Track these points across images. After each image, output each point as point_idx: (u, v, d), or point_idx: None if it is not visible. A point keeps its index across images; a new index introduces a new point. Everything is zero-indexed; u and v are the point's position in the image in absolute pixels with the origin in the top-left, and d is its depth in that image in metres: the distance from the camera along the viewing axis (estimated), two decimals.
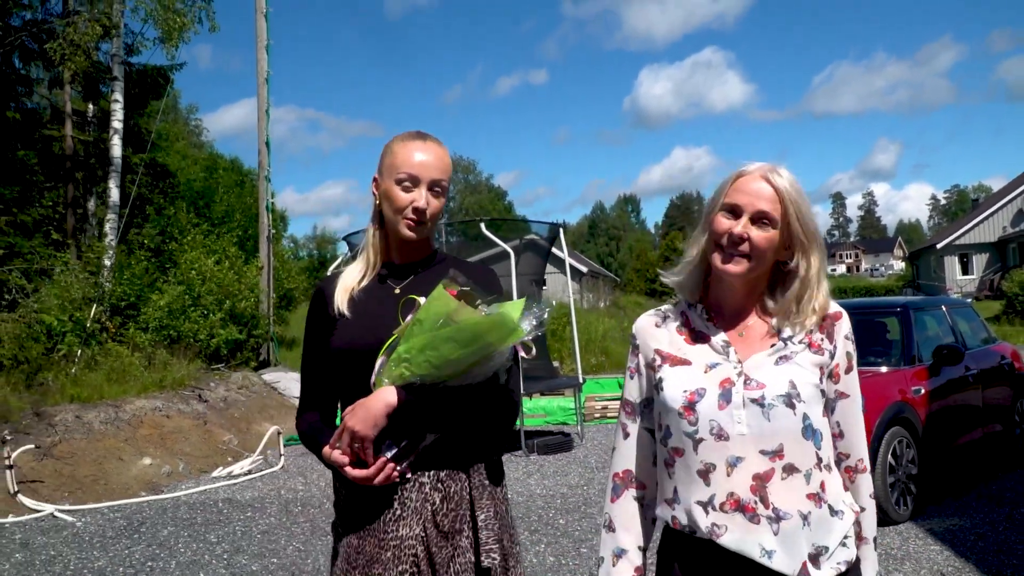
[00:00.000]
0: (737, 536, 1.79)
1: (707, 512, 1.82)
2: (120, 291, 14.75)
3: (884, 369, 6.98)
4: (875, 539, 2.00)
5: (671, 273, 2.02)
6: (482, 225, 11.24)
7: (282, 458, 10.45)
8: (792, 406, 1.81)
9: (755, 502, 1.79)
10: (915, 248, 61.41)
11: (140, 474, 9.53)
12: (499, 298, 2.06)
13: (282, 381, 14.94)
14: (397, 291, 2.16)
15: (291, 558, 6.17)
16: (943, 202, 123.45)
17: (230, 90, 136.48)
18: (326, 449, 2.02)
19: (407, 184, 2.09)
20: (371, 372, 2.03)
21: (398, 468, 1.98)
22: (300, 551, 6.35)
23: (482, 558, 2.02)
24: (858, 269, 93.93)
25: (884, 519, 6.05)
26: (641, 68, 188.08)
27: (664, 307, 2.09)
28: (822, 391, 1.88)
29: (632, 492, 2.03)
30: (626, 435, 2.06)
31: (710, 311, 1.98)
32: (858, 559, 1.91)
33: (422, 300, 2.00)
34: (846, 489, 1.92)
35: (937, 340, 7.58)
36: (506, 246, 11.00)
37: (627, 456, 2.05)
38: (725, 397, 1.84)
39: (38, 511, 7.89)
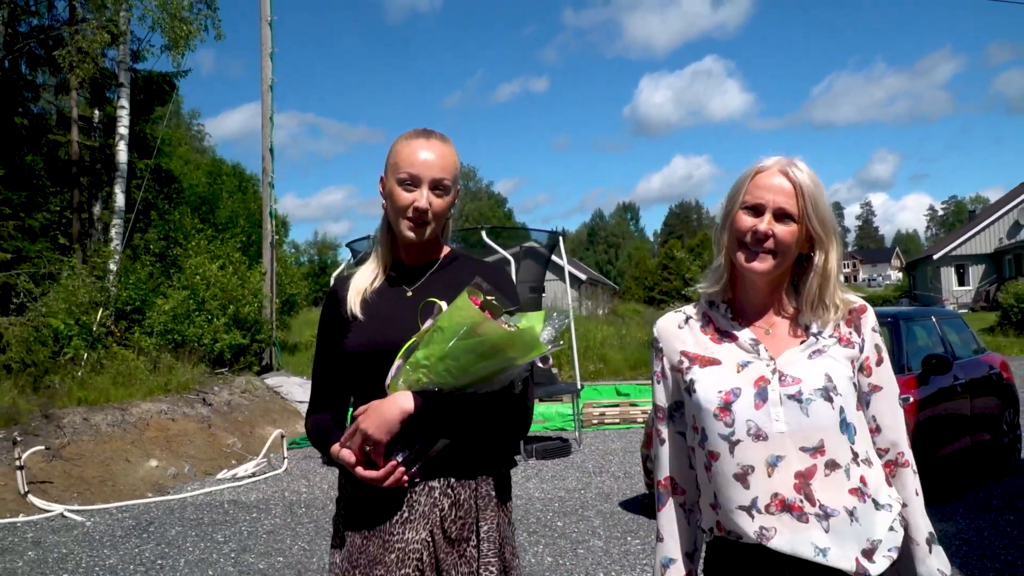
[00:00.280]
0: (788, 537, 1.76)
1: (752, 516, 1.79)
2: (125, 296, 14.95)
3: None
4: (928, 540, 1.90)
5: (705, 284, 2.01)
6: (483, 233, 11.45)
7: (285, 461, 10.64)
8: (830, 399, 1.79)
9: (801, 500, 1.76)
10: (912, 259, 61.62)
11: (147, 476, 9.72)
12: (520, 308, 2.07)
13: (285, 385, 15.12)
14: (409, 293, 2.15)
15: (296, 557, 6.36)
16: (941, 213, 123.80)
17: (231, 95, 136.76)
18: (335, 447, 2.02)
19: (408, 184, 2.07)
20: (384, 374, 2.02)
21: (408, 472, 1.96)
22: (305, 550, 6.54)
23: (481, 571, 2.01)
24: (855, 279, 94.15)
25: None
26: (641, 76, 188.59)
27: (685, 307, 2.06)
28: (855, 384, 1.86)
29: (677, 499, 2.01)
30: (662, 441, 2.03)
31: (734, 310, 1.96)
32: (906, 542, 1.87)
33: (443, 305, 2.00)
34: (889, 484, 1.88)
35: (927, 350, 7.77)
36: (506, 253, 11.21)
37: (667, 463, 2.02)
38: (761, 396, 1.81)
39: (48, 511, 8.06)
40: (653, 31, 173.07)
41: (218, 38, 17.46)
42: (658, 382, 2.03)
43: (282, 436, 11.19)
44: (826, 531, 1.75)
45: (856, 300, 1.94)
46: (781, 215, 1.83)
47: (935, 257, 47.66)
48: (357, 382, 2.14)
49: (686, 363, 1.94)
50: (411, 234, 2.08)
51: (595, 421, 13.41)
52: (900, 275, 70.08)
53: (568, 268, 13.16)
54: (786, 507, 1.76)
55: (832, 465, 1.78)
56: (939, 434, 7.37)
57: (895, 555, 1.80)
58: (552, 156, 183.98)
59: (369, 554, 2.00)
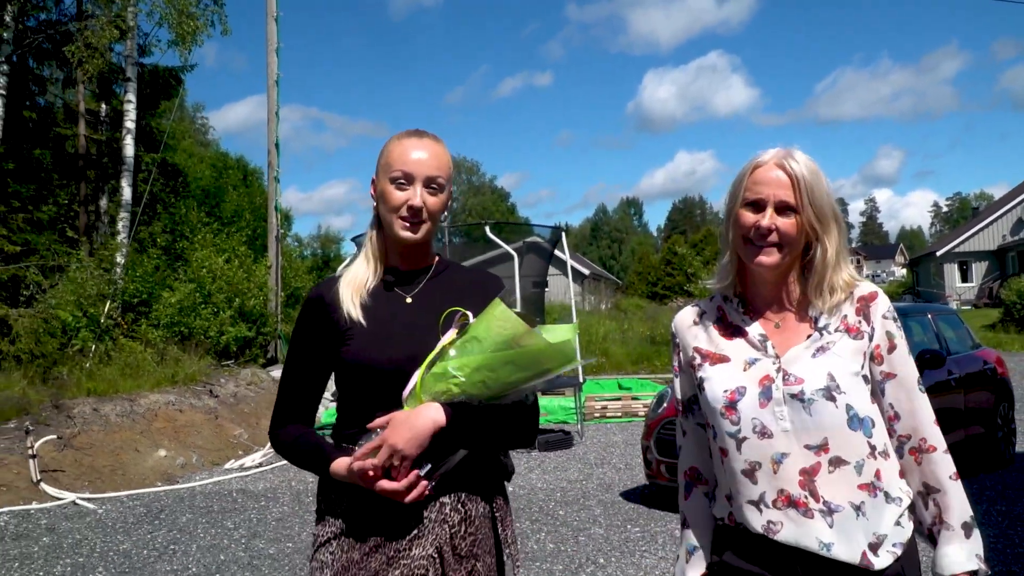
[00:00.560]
0: (793, 531, 1.79)
1: (760, 510, 1.83)
2: (132, 288, 15.14)
3: None
4: (966, 525, 1.86)
5: (714, 281, 2.04)
6: (487, 228, 11.59)
7: None
8: (832, 399, 1.80)
9: (805, 496, 1.79)
10: (916, 255, 61.69)
11: (156, 465, 9.89)
12: (541, 321, 2.09)
13: None
14: (409, 300, 2.08)
15: (305, 543, 6.53)
16: (945, 209, 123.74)
17: (234, 88, 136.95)
18: (342, 462, 1.94)
19: (402, 182, 2.01)
20: (390, 385, 1.96)
21: (429, 485, 1.90)
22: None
23: None
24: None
25: None
26: (645, 72, 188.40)
27: (701, 302, 2.09)
28: (864, 377, 1.86)
29: (701, 488, 2.05)
30: (683, 433, 2.08)
31: (745, 304, 1.98)
32: (913, 539, 1.87)
33: (469, 314, 1.95)
34: (902, 476, 1.88)
35: (921, 345, 7.91)
36: (510, 249, 11.36)
37: (689, 454, 2.07)
38: (765, 395, 1.84)
39: (60, 499, 8.24)
40: (657, 26, 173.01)
41: (224, 33, 17.65)
42: (677, 376, 2.08)
43: None
44: (830, 526, 1.77)
45: (867, 287, 1.93)
46: (783, 208, 1.85)
47: (938, 253, 47.75)
48: (352, 393, 2.04)
49: (698, 360, 1.98)
50: (406, 234, 2.02)
51: (597, 414, 13.57)
52: (904, 271, 70.13)
53: (571, 263, 13.29)
54: (791, 503, 1.79)
55: (837, 462, 1.79)
56: None
57: (899, 551, 1.81)
58: (555, 151, 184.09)
59: (369, 570, 1.93)
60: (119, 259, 15.69)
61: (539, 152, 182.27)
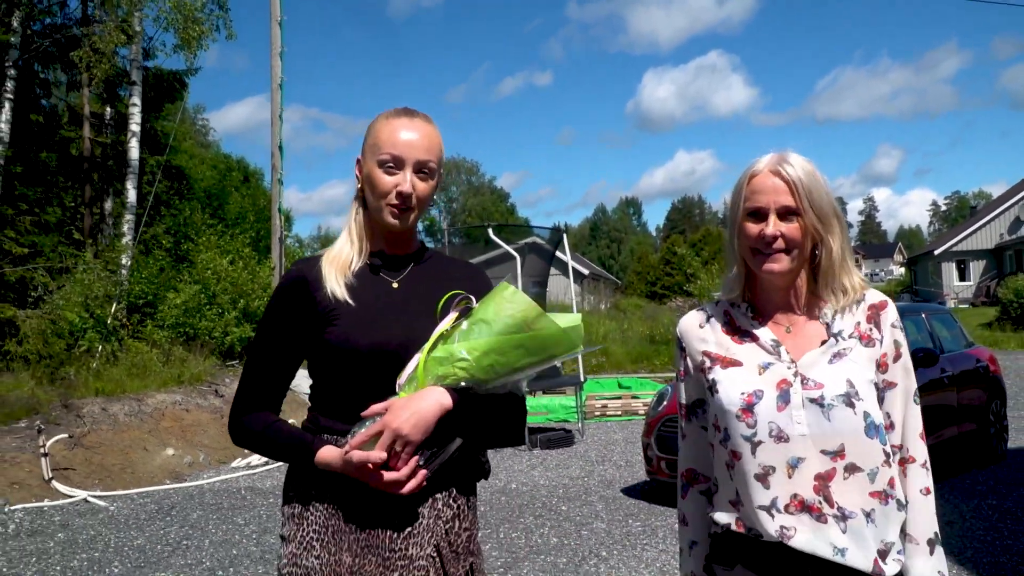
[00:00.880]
0: (807, 536, 1.78)
1: (772, 516, 1.81)
2: (138, 290, 15.32)
3: None
4: (930, 541, 1.88)
5: (723, 293, 2.03)
6: (490, 231, 11.78)
7: None
8: (852, 405, 1.80)
9: (819, 502, 1.78)
10: (914, 254, 61.89)
11: (164, 463, 10.07)
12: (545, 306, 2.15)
13: None
14: (395, 285, 1.99)
15: None
16: (944, 208, 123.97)
17: (234, 89, 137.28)
18: (333, 453, 1.83)
19: (390, 166, 1.91)
20: (379, 369, 1.88)
21: (427, 474, 1.82)
22: None
23: None
24: None
25: None
26: (645, 71, 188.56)
27: (706, 305, 2.08)
28: (876, 385, 1.87)
29: (697, 488, 2.07)
30: (683, 436, 2.10)
31: (755, 309, 1.97)
32: (903, 540, 1.88)
33: (472, 298, 1.92)
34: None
35: (915, 344, 8.09)
36: (512, 250, 11.55)
37: (688, 456, 2.09)
38: (783, 398, 1.83)
39: (72, 496, 8.42)
40: (657, 25, 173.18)
41: (229, 38, 17.86)
42: (681, 380, 2.08)
43: None
44: (844, 532, 1.77)
45: (878, 295, 1.95)
46: (784, 213, 1.85)
47: (936, 252, 47.95)
48: (333, 379, 1.93)
49: (708, 363, 1.96)
50: (394, 220, 1.94)
51: (597, 413, 13.76)
52: (902, 270, 70.30)
53: (571, 264, 13.48)
54: (805, 507, 1.79)
55: (852, 468, 1.79)
56: (926, 424, 7.68)
57: (903, 558, 1.84)
58: (555, 151, 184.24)
59: (365, 573, 1.83)
60: (124, 261, 15.89)
61: (539, 151, 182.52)
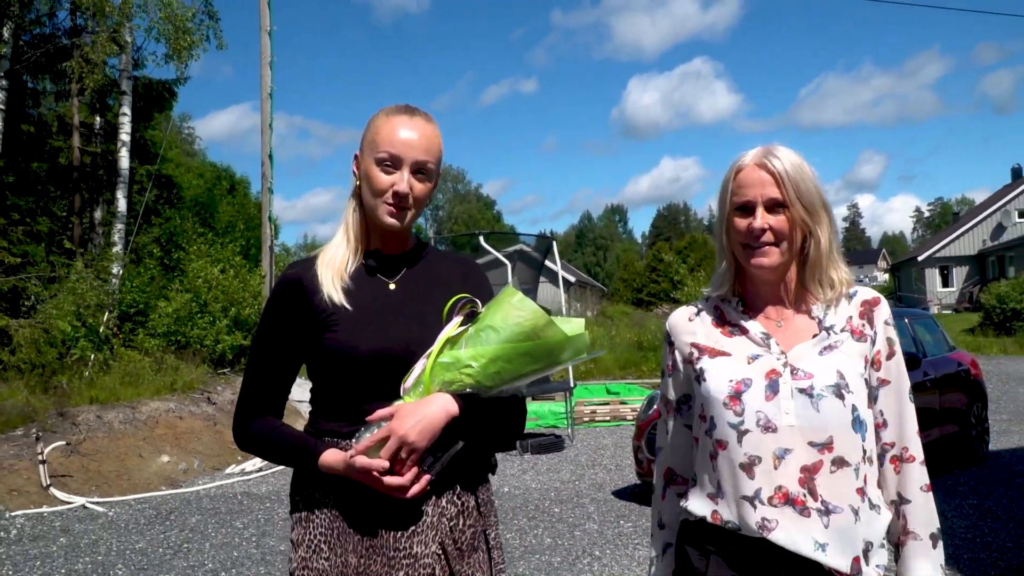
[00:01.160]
0: (788, 530, 1.74)
1: (755, 507, 1.77)
2: (129, 299, 15.42)
3: None
4: (933, 536, 1.87)
5: (712, 289, 2.02)
6: (481, 239, 11.95)
7: None
8: (841, 397, 1.77)
9: (804, 495, 1.75)
10: (897, 260, 62.38)
11: (159, 470, 10.17)
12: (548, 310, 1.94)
13: None
14: (392, 286, 1.98)
15: None
16: (927, 214, 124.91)
17: (219, 97, 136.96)
18: (336, 457, 1.83)
19: (388, 164, 1.89)
20: (368, 375, 1.88)
21: (431, 478, 1.83)
22: None
23: None
24: None
25: None
26: (630, 78, 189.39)
27: (697, 302, 2.07)
28: (866, 380, 1.84)
29: (675, 489, 2.05)
30: (667, 433, 2.06)
31: (745, 303, 1.96)
32: (896, 549, 1.89)
33: (478, 302, 1.90)
34: (879, 485, 1.87)
35: None
36: (502, 257, 11.73)
37: (669, 454, 2.06)
38: (772, 388, 1.80)
39: (70, 503, 8.52)
40: (642, 33, 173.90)
41: (220, 48, 17.98)
42: (668, 375, 2.05)
43: None
44: (826, 527, 1.73)
45: (870, 291, 1.94)
46: (772, 206, 1.84)
47: (920, 259, 48.29)
48: (333, 384, 1.93)
49: (696, 354, 1.94)
50: (391, 220, 1.91)
51: (586, 418, 13.93)
52: (887, 276, 70.81)
53: (561, 273, 13.66)
54: (789, 500, 1.75)
55: (840, 463, 1.76)
56: None
57: (884, 561, 1.81)
58: (540, 158, 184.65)
59: (372, 573, 1.83)
60: (116, 270, 15.99)
61: (524, 158, 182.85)
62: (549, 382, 13.73)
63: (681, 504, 1.96)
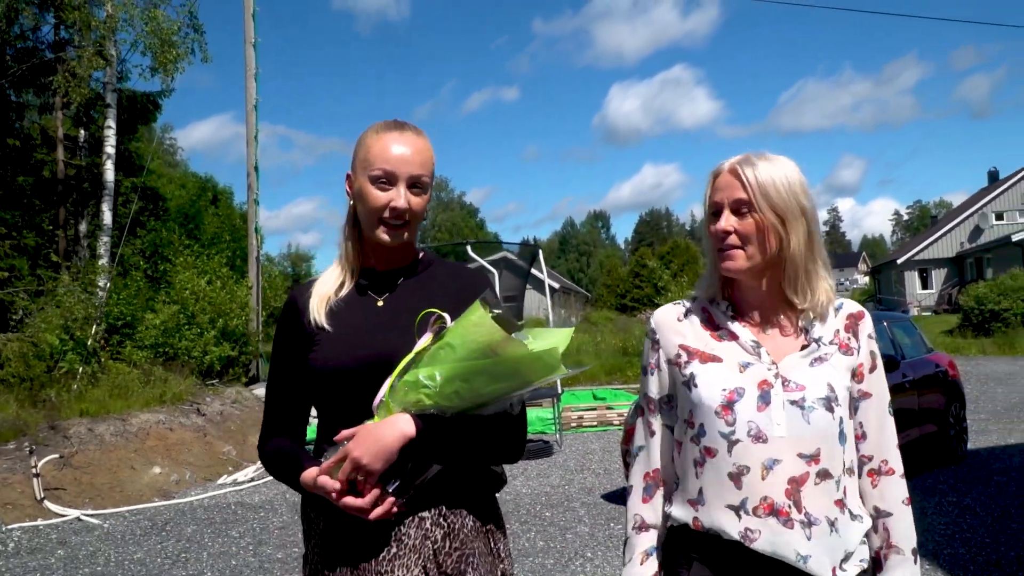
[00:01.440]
0: (771, 540, 1.75)
1: (739, 516, 1.78)
2: (117, 311, 15.46)
3: None
4: (914, 551, 1.88)
5: (697, 291, 2.01)
6: (468, 248, 12.09)
7: None
8: (831, 409, 1.79)
9: (789, 506, 1.75)
10: (877, 263, 62.90)
11: (151, 482, 10.24)
12: (525, 324, 1.91)
13: None
14: (380, 303, 1.97)
15: None
16: (906, 217, 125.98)
17: (198, 107, 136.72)
18: (309, 474, 1.82)
19: (383, 182, 1.88)
20: (356, 393, 1.86)
21: (398, 503, 1.78)
22: None
23: None
24: None
25: None
26: (611, 85, 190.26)
27: (684, 301, 2.03)
28: (849, 392, 1.86)
29: (662, 491, 2.00)
30: (651, 433, 2.01)
31: (734, 307, 1.95)
32: (874, 562, 1.89)
33: (447, 317, 1.82)
34: (860, 495, 1.89)
35: None
36: (489, 266, 11.87)
37: (653, 455, 2.00)
38: (764, 399, 1.80)
39: (64, 515, 8.58)
40: (623, 40, 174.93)
41: (205, 61, 18.05)
42: (651, 373, 2.00)
43: None
44: (808, 538, 1.74)
45: (854, 305, 1.95)
46: (737, 208, 1.84)
47: (899, 261, 48.76)
48: (324, 403, 1.96)
49: (685, 357, 1.92)
50: (387, 237, 1.91)
51: (574, 424, 14.07)
52: (867, 279, 71.37)
53: (548, 281, 13.82)
54: (774, 511, 1.75)
55: (824, 475, 1.77)
56: None
57: (864, 567, 1.83)
58: (523, 165, 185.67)
59: None
60: (102, 282, 16.03)
61: (507, 166, 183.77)
62: (537, 389, 13.84)
63: (665, 509, 1.96)
